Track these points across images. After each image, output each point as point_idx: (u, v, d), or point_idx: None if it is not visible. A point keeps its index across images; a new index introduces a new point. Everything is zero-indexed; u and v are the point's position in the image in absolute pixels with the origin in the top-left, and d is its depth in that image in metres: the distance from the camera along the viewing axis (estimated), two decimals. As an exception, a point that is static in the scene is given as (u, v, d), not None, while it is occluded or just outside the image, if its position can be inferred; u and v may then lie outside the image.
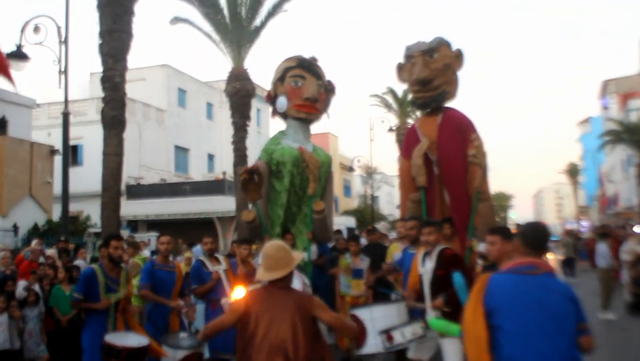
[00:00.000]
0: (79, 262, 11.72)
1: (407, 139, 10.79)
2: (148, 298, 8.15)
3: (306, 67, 12.08)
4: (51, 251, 12.68)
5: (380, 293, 9.95)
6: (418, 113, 44.73)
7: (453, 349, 6.60)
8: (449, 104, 10.43)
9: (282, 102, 11.99)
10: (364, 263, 10.38)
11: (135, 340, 6.63)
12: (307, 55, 12.34)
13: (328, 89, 12.35)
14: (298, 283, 9.65)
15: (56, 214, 25.49)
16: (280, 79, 12.10)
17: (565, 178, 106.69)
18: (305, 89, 11.85)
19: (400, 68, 10.70)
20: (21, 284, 9.88)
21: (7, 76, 10.96)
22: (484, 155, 9.47)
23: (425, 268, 7.01)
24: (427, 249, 7.10)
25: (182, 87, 41.71)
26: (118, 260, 7.04)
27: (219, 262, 8.87)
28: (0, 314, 9.01)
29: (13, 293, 9.58)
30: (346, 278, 10.40)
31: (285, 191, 11.60)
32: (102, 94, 19.41)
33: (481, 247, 8.53)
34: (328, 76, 12.40)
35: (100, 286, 6.87)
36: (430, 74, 10.05)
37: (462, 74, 10.33)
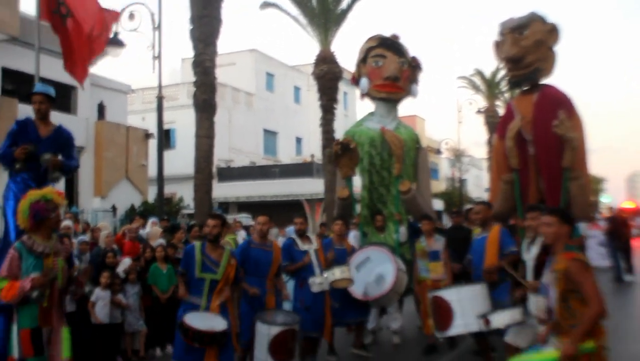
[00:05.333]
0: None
1: (503, 118, 10.59)
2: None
3: (387, 46, 11.99)
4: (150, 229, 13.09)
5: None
6: (507, 95, 44.16)
7: None
8: (547, 80, 10.09)
9: (363, 83, 12.02)
10: (439, 243, 9.98)
11: (210, 323, 6.60)
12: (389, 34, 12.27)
13: (412, 65, 12.11)
14: (392, 268, 9.67)
15: (151, 195, 26.35)
16: (362, 60, 12.12)
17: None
18: (385, 69, 11.77)
19: (497, 46, 10.46)
20: (126, 262, 10.30)
21: (76, 72, 11.41)
22: (575, 130, 9.15)
23: (531, 254, 6.85)
24: (530, 235, 6.91)
25: (270, 72, 42.18)
26: (211, 238, 7.02)
27: (310, 241, 9.01)
28: (103, 289, 9.44)
29: (114, 266, 10.04)
30: (423, 261, 10.07)
31: (365, 172, 11.64)
32: (193, 79, 19.90)
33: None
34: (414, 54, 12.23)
35: (196, 264, 6.90)
36: (520, 52, 9.74)
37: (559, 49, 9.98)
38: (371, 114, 12.22)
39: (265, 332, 7.42)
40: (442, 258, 9.88)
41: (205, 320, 6.63)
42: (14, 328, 5.39)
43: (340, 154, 11.12)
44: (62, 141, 6.85)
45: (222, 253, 7.05)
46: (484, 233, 8.08)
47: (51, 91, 6.92)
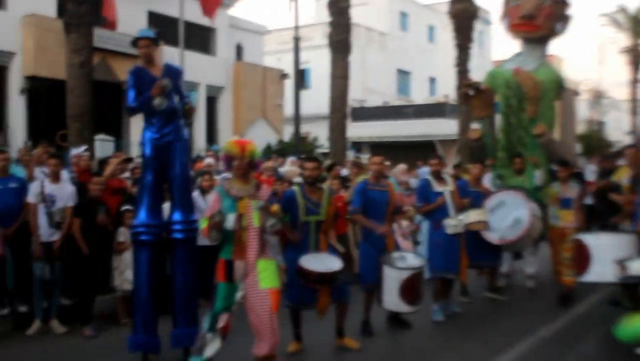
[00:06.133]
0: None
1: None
2: (358, 221, 8.28)
3: None
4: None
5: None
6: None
7: None
8: None
9: (504, 24, 11.73)
10: (572, 190, 9.67)
11: (325, 264, 6.76)
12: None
13: (556, 1, 11.49)
14: (527, 213, 9.53)
15: (286, 135, 26.99)
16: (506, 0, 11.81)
17: None
18: (522, 7, 11.30)
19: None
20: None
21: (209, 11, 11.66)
22: None
23: None
24: None
25: (404, 11, 41.59)
26: (310, 181, 7.10)
27: (445, 183, 8.94)
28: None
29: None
30: (554, 208, 9.80)
31: (502, 114, 11.37)
32: (328, 19, 20.02)
33: None
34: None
35: (299, 208, 7.00)
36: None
37: None
38: (517, 54, 11.87)
39: (395, 276, 7.54)
40: (574, 206, 9.64)
41: (320, 261, 6.80)
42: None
43: (471, 95, 10.95)
44: (174, 76, 7.04)
45: (322, 194, 7.16)
46: None
47: (152, 34, 7.08)
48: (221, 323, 6.09)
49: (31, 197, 7.99)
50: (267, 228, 6.04)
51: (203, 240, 8.81)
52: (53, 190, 8.05)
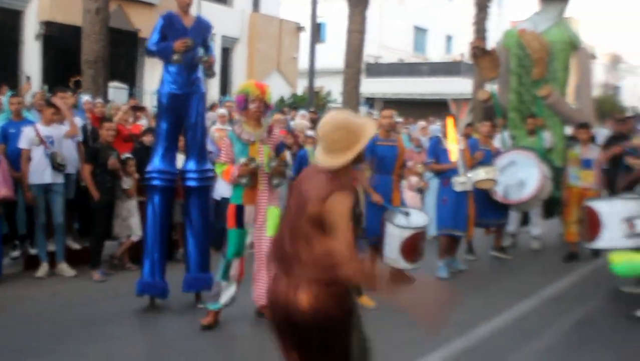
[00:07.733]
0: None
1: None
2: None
3: None
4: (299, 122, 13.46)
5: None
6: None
7: None
8: None
9: None
10: (593, 152, 9.83)
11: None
12: None
13: None
14: (537, 173, 9.56)
15: (300, 88, 26.91)
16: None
17: None
18: None
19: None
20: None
21: None
22: None
23: None
24: None
25: (423, -34, 40.97)
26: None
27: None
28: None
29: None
30: (575, 168, 9.94)
31: (514, 74, 11.31)
32: (346, -28, 19.82)
33: None
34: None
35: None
36: None
37: None
38: (536, 13, 11.73)
39: (397, 234, 7.45)
40: (594, 167, 9.74)
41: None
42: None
43: (479, 56, 10.87)
44: (203, 29, 7.08)
45: None
46: None
47: None
48: (234, 269, 6.22)
49: (23, 143, 8.00)
50: (272, 185, 6.17)
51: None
52: (49, 131, 8.09)
